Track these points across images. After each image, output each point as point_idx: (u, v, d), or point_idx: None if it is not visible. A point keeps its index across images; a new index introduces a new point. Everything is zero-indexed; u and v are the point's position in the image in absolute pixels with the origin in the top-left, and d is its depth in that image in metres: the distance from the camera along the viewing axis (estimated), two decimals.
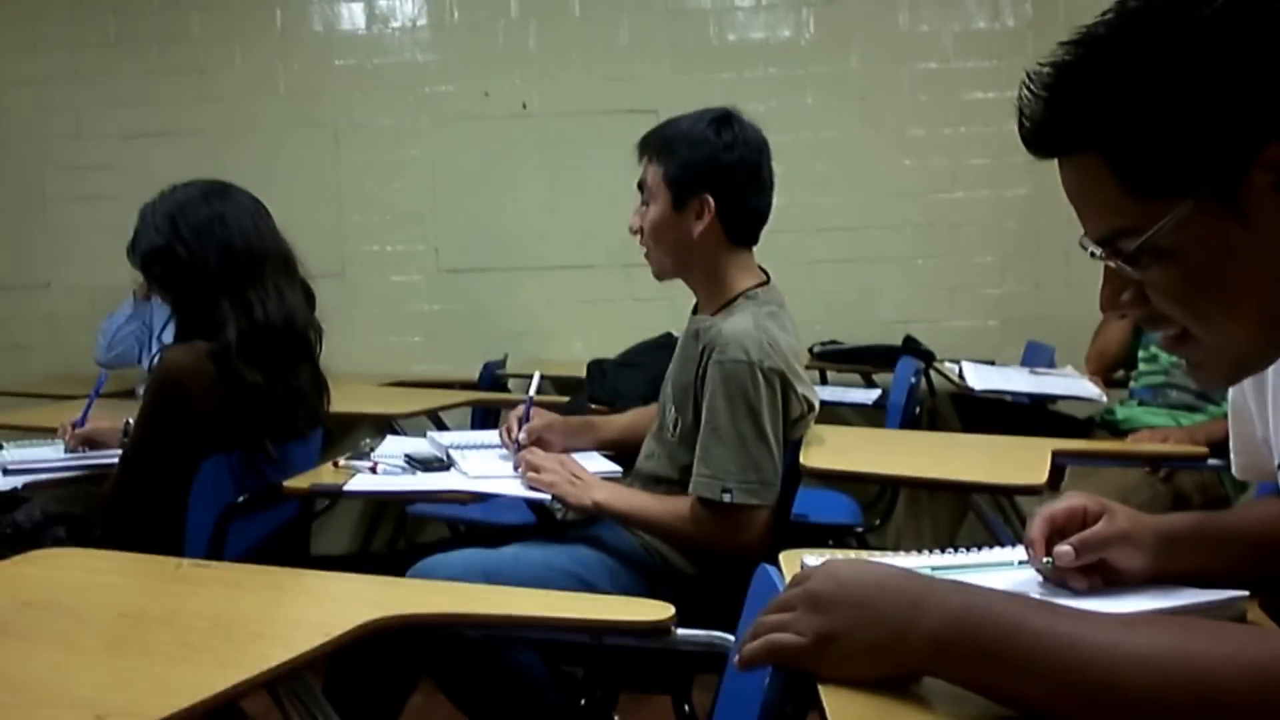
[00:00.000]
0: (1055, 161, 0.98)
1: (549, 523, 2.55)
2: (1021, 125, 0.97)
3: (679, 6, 4.61)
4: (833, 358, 4.27)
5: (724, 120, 2.19)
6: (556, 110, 4.64)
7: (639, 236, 2.27)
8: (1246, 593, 1.13)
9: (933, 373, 3.99)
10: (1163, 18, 0.89)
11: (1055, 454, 2.34)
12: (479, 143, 4.67)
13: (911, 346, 4.11)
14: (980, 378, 3.12)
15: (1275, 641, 0.84)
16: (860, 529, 3.25)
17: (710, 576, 2.15)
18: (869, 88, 4.53)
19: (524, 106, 4.66)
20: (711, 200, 2.17)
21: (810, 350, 4.22)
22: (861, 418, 4.06)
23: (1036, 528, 1.19)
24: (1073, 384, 3.16)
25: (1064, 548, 1.15)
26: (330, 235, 4.70)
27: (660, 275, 2.30)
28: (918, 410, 3.44)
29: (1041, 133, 0.96)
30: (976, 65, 4.49)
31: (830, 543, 3.01)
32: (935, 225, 4.52)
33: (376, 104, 4.73)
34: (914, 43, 4.53)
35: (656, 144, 2.22)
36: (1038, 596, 1.11)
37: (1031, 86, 0.95)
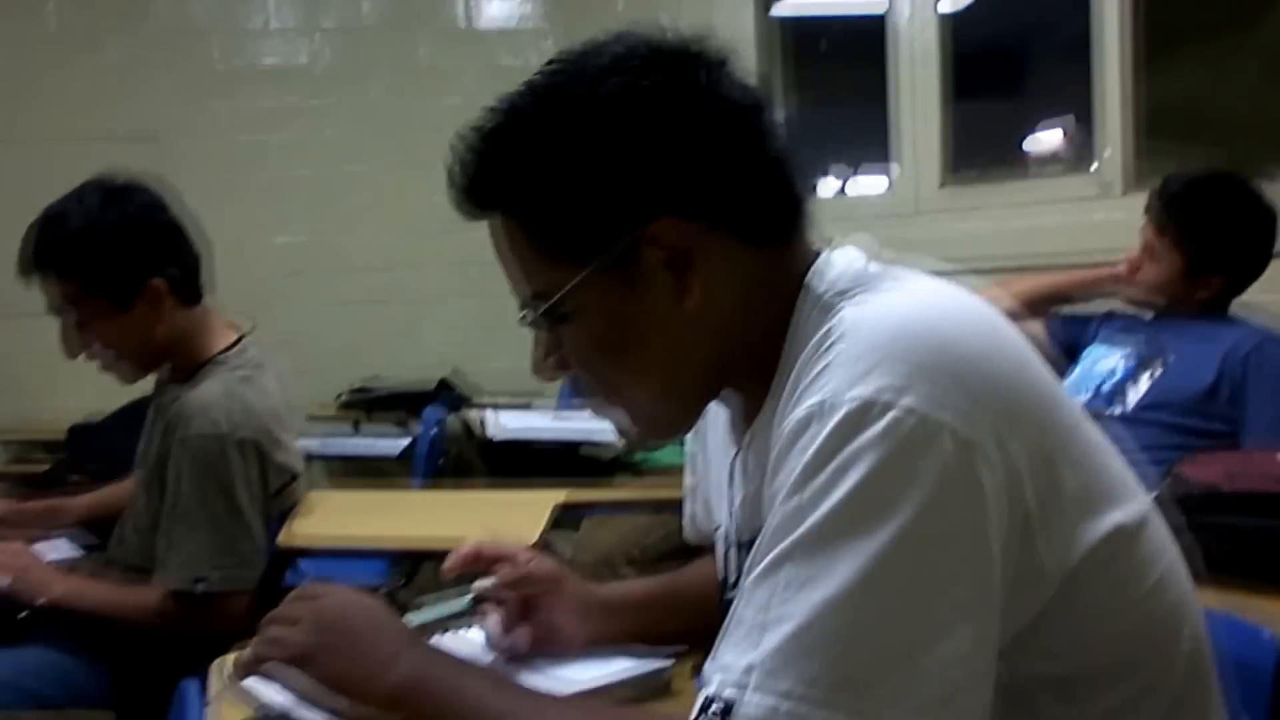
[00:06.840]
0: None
1: (8, 623, 2.22)
2: (450, 186, 0.98)
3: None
4: (364, 405, 4.06)
5: (109, 197, 1.94)
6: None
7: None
8: (671, 661, 1.22)
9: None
10: (567, 93, 0.93)
11: (565, 504, 2.29)
12: None
13: (446, 389, 3.97)
14: (500, 424, 3.04)
15: None
16: (384, 588, 3.06)
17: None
18: (394, 122, 4.40)
19: None
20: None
21: (338, 398, 4.00)
22: (399, 467, 3.87)
23: (459, 555, 1.24)
24: (592, 427, 3.14)
25: (484, 582, 1.24)
26: None
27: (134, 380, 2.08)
28: (441, 459, 3.30)
29: (463, 194, 0.98)
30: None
31: None
32: (469, 264, 4.42)
33: None
34: (435, 78, 4.45)
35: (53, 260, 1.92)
36: (490, 663, 1.21)
37: (458, 149, 0.97)
